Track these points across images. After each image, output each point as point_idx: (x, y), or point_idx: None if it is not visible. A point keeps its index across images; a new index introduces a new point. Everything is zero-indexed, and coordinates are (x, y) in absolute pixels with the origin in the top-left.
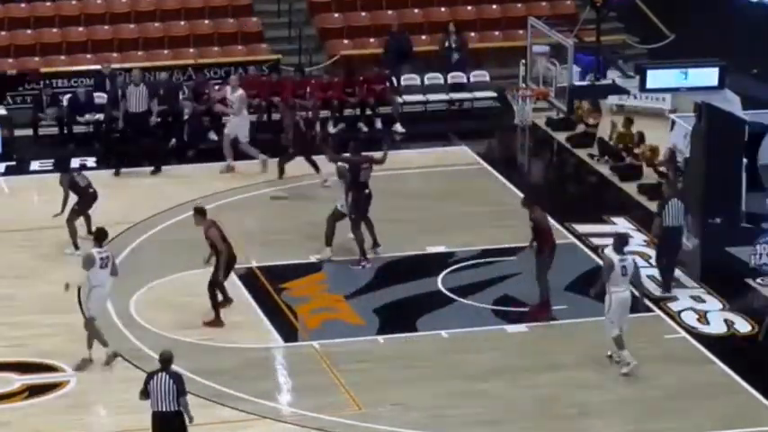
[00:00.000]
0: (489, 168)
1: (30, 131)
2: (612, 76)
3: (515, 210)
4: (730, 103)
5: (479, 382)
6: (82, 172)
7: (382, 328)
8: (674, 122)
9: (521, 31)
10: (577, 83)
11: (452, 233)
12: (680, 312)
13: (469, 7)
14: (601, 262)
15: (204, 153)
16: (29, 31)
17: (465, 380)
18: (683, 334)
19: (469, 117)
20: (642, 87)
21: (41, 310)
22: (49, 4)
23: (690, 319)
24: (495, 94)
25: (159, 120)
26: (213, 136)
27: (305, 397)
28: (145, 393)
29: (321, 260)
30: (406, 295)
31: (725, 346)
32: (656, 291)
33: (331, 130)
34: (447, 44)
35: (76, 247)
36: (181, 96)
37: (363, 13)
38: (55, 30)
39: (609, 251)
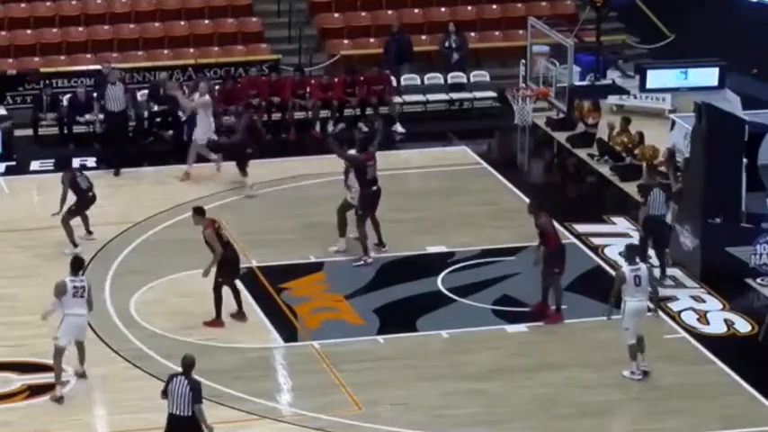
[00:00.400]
0: (489, 168)
1: (30, 131)
2: (612, 76)
3: (515, 210)
4: (730, 103)
5: (479, 382)
6: (84, 173)
7: (382, 328)
8: (674, 122)
9: (521, 31)
10: (577, 83)
11: (452, 233)
12: (680, 312)
13: (469, 7)
14: (602, 263)
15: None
16: (29, 31)
17: (465, 380)
18: (683, 334)
19: (469, 117)
20: (642, 87)
21: (41, 310)
22: (49, 4)
23: (690, 319)
24: (495, 94)
25: (136, 118)
26: (213, 136)
27: (305, 397)
28: (165, 393)
29: (338, 251)
30: (406, 295)
31: (725, 346)
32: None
33: (331, 129)
34: (447, 44)
35: (75, 245)
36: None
37: (363, 13)
38: (55, 30)
39: (622, 263)
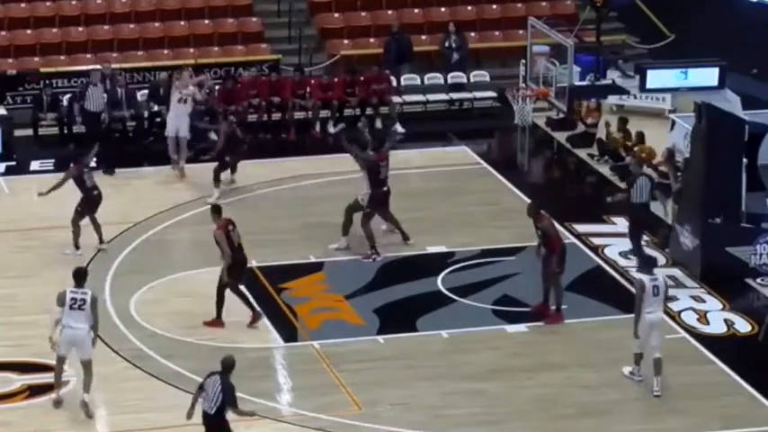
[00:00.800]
0: (489, 168)
1: (30, 131)
2: (612, 76)
3: (515, 210)
4: (730, 103)
5: (479, 382)
6: (92, 173)
7: (382, 328)
8: (674, 122)
9: (521, 31)
10: (577, 83)
11: (452, 233)
12: (680, 312)
13: (469, 7)
14: (602, 263)
15: (204, 153)
16: (29, 31)
17: (465, 380)
18: (683, 334)
19: (469, 117)
20: (642, 87)
21: (41, 310)
22: (49, 4)
23: (690, 319)
24: (495, 94)
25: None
26: (213, 136)
27: (305, 397)
28: (200, 388)
29: (338, 249)
30: (406, 295)
31: (725, 346)
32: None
33: (331, 130)
34: (447, 44)
35: (77, 248)
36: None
37: (363, 13)
38: (55, 30)
39: (639, 273)
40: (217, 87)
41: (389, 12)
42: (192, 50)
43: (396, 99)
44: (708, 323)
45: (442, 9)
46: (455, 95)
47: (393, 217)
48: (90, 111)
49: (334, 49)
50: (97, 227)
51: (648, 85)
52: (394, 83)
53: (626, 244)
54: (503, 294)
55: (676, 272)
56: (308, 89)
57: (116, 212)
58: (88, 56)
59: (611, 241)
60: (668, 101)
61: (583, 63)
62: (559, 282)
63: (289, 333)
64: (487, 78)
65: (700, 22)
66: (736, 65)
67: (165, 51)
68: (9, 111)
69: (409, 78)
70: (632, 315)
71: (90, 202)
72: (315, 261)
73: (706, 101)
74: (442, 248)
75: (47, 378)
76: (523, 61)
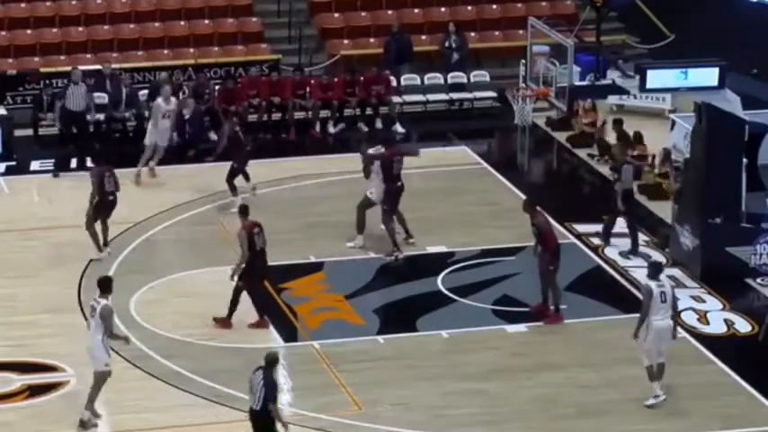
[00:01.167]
0: (489, 168)
1: (30, 131)
2: (612, 76)
3: (515, 210)
4: (730, 103)
5: (479, 382)
6: (112, 178)
7: (382, 328)
8: (674, 122)
9: (521, 31)
10: (577, 83)
11: (452, 233)
12: (680, 312)
13: (469, 7)
14: (602, 263)
15: (204, 153)
16: (29, 31)
17: (465, 380)
18: (684, 334)
19: (469, 117)
20: (642, 87)
21: (41, 310)
22: (49, 4)
23: (690, 319)
24: (495, 94)
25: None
26: (213, 136)
27: (305, 397)
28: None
29: (354, 247)
30: (406, 295)
31: (725, 346)
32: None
33: (331, 130)
34: (447, 44)
35: (100, 249)
36: (181, 96)
37: (363, 13)
38: (55, 30)
39: (646, 280)
40: (217, 87)
41: (389, 12)
42: (191, 50)
43: (396, 99)
44: (708, 323)
45: (442, 9)
46: (455, 95)
47: (401, 214)
48: (70, 110)
49: (334, 49)
50: (106, 230)
51: (648, 85)
52: (394, 83)
53: (626, 244)
54: (503, 294)
55: (676, 272)
56: (308, 89)
57: (116, 212)
58: (88, 56)
59: (612, 241)
60: (668, 101)
61: (583, 63)
62: (555, 281)
63: (289, 333)
64: (487, 78)
65: (700, 22)
66: (736, 65)
67: (165, 51)
68: (9, 111)
69: (409, 78)
70: (632, 315)
71: (105, 207)
72: (315, 261)
73: (706, 101)
74: (442, 248)
75: (47, 378)
76: (523, 61)
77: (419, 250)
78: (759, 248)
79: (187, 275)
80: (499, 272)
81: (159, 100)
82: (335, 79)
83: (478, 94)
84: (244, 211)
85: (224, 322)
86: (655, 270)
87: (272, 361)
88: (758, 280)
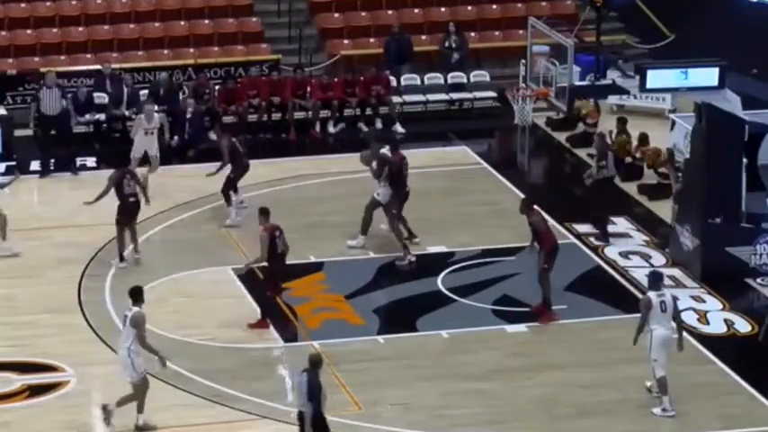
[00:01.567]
0: (489, 168)
1: (30, 131)
2: (612, 76)
3: (515, 210)
4: (730, 103)
5: (479, 382)
6: (132, 180)
7: (382, 328)
8: (674, 122)
9: (521, 31)
10: (577, 83)
11: (452, 233)
12: (680, 312)
13: (469, 7)
14: (602, 263)
15: (204, 153)
16: (29, 31)
17: (465, 380)
18: (684, 334)
19: (469, 117)
20: (642, 87)
21: (41, 310)
22: (49, 4)
23: (690, 319)
24: (495, 94)
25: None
26: (213, 136)
27: None
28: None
29: (355, 246)
30: (406, 295)
31: (725, 346)
32: None
33: (331, 130)
34: (447, 44)
35: (121, 259)
36: (181, 96)
37: (363, 13)
38: (55, 30)
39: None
40: (217, 87)
41: (389, 12)
42: (191, 50)
43: (396, 99)
44: (708, 323)
45: (442, 9)
46: (455, 95)
47: (402, 216)
48: (45, 114)
49: (334, 49)
50: (134, 235)
51: (648, 85)
52: (394, 83)
53: (626, 244)
54: (503, 294)
55: (676, 272)
56: (309, 89)
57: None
58: (88, 56)
59: (612, 241)
60: (668, 101)
61: (583, 63)
62: (547, 279)
63: (289, 333)
64: (487, 78)
65: (700, 22)
66: (736, 65)
67: (165, 51)
68: (9, 111)
69: (409, 78)
70: (632, 315)
71: (125, 210)
72: (315, 261)
73: (706, 101)
74: (442, 248)
75: (47, 378)
76: (523, 61)
77: (419, 250)
78: (759, 248)
79: (187, 275)
80: (499, 272)
81: (141, 116)
82: (335, 79)
83: (478, 94)
84: (265, 213)
85: (260, 323)
86: (654, 280)
87: (315, 362)
88: (758, 280)
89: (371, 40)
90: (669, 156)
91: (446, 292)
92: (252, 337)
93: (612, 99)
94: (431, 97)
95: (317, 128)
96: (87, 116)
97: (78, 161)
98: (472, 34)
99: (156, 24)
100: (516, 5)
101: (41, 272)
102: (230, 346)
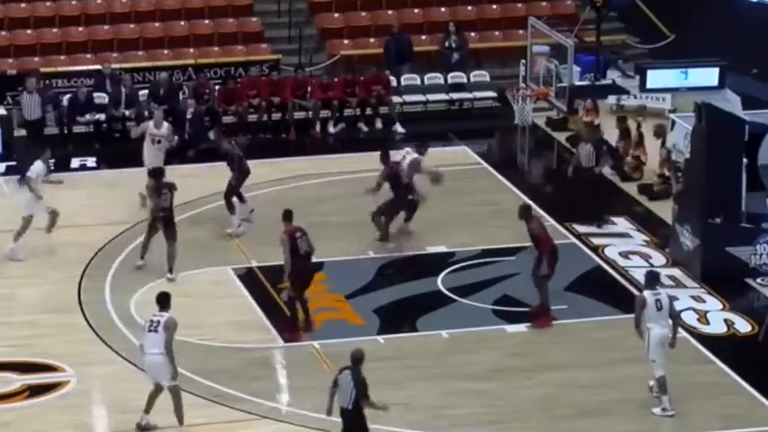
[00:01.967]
0: (489, 168)
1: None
2: (612, 76)
3: (515, 210)
4: (730, 103)
5: (479, 382)
6: (167, 194)
7: (382, 328)
8: (674, 122)
9: (521, 31)
10: (577, 83)
11: (452, 233)
12: (680, 312)
13: (469, 7)
14: (602, 263)
15: (204, 153)
16: (29, 31)
17: (465, 380)
18: (684, 334)
19: (469, 117)
20: (642, 87)
21: (41, 310)
22: (49, 4)
23: (690, 319)
24: (495, 94)
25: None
26: (212, 136)
27: (305, 397)
28: (334, 384)
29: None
30: (406, 295)
31: (725, 346)
32: None
33: (331, 130)
34: (447, 44)
35: (142, 258)
36: (181, 96)
37: (363, 13)
38: (55, 30)
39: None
40: (217, 87)
41: (389, 12)
42: (191, 50)
43: (396, 99)
44: (708, 323)
45: (442, 9)
46: (455, 95)
47: (391, 220)
48: (28, 120)
49: (334, 49)
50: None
51: (648, 85)
52: (394, 83)
53: (626, 244)
54: (503, 294)
55: (676, 272)
56: (309, 89)
57: (116, 212)
58: (88, 56)
59: (612, 241)
60: (668, 101)
61: (583, 63)
62: (545, 284)
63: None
64: (487, 78)
65: (700, 22)
66: (737, 65)
67: (165, 51)
68: (9, 111)
69: (409, 78)
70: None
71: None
72: (315, 261)
73: (706, 101)
74: (442, 248)
75: (47, 378)
76: (523, 61)
77: (419, 250)
78: (759, 248)
79: (187, 275)
80: (499, 272)
81: (150, 123)
82: (335, 79)
83: (478, 94)
84: (288, 216)
85: (291, 334)
86: (651, 279)
87: (358, 358)
88: (758, 280)
89: (371, 40)
90: (667, 156)
91: (446, 292)
92: (252, 337)
93: (612, 99)
94: (431, 97)
95: (317, 128)
96: (87, 116)
97: (78, 161)
98: (472, 34)
99: (156, 24)
100: (516, 5)
101: (41, 272)
102: (230, 346)
